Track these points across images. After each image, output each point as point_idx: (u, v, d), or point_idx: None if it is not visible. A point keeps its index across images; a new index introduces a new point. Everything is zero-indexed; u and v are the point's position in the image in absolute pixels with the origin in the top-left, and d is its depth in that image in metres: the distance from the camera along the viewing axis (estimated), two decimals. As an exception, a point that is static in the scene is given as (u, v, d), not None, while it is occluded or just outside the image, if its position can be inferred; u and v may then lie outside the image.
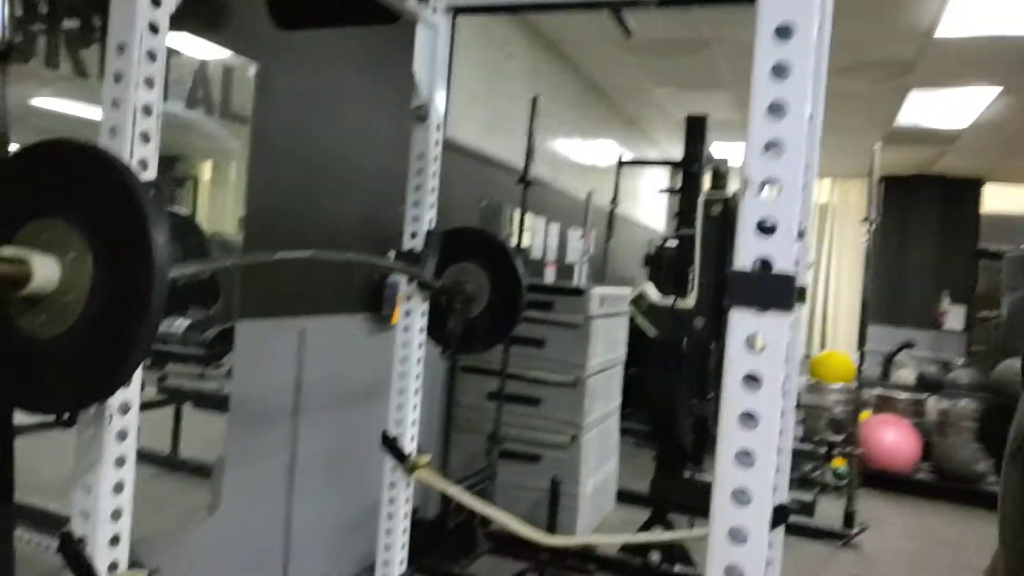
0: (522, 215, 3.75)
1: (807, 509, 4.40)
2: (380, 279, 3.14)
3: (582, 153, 5.95)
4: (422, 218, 2.08)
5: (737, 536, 0.93)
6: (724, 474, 0.91)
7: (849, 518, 4.26)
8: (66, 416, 1.06)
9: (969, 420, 5.37)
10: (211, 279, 2.42)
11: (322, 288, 2.84)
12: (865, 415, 5.76)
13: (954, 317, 8.88)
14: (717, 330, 0.86)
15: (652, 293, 0.87)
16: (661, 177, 6.48)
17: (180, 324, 2.37)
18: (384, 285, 3.15)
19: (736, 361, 0.88)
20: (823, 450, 5.34)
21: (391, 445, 2.13)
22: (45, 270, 0.98)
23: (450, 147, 2.13)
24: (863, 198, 9.47)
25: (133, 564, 1.23)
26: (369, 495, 3.03)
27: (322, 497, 2.87)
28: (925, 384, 6.36)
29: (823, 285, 9.65)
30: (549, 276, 5.17)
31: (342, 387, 2.95)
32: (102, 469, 1.16)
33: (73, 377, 1.00)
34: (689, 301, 0.86)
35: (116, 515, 1.19)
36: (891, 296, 8.84)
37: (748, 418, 0.88)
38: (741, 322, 0.87)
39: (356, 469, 3.04)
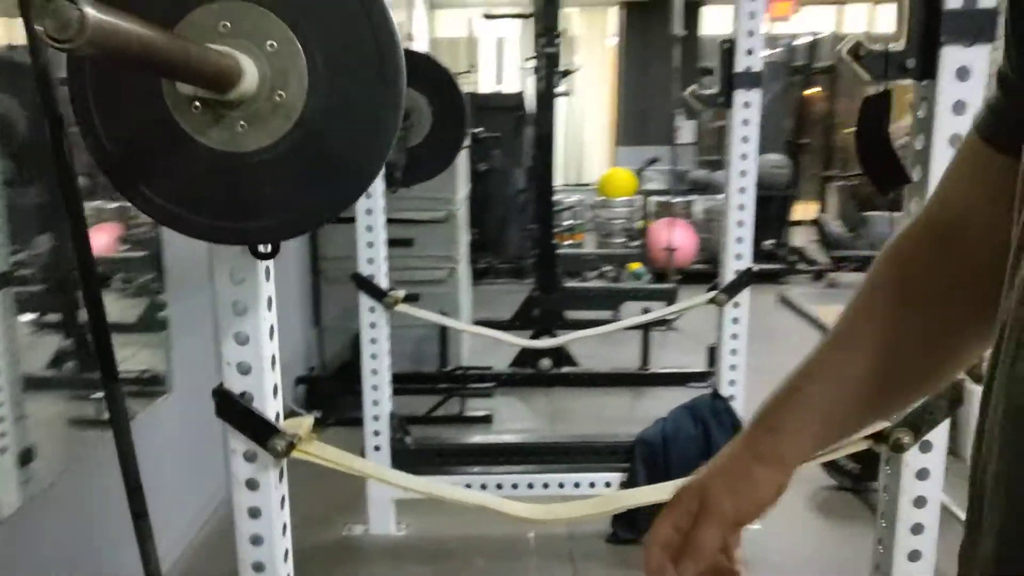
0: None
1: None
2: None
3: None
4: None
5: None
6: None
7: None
8: (268, 249, 0.89)
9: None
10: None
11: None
12: (650, 222, 6.48)
13: (686, 131, 9.98)
14: (928, 68, 0.95)
15: (867, 42, 0.92)
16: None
17: None
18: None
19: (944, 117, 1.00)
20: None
21: (366, 284, 2.05)
22: (250, 67, 0.81)
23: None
24: (607, 25, 10.09)
25: (290, 413, 1.13)
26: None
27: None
28: (691, 188, 7.22)
29: (575, 113, 10.24)
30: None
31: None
32: (260, 312, 1.03)
33: (283, 199, 0.86)
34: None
35: (273, 363, 1.08)
36: (638, 118, 9.68)
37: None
38: (953, 58, 0.99)
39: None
